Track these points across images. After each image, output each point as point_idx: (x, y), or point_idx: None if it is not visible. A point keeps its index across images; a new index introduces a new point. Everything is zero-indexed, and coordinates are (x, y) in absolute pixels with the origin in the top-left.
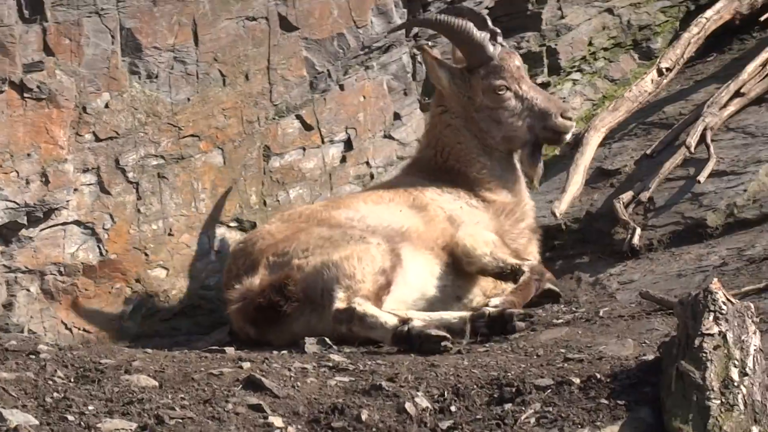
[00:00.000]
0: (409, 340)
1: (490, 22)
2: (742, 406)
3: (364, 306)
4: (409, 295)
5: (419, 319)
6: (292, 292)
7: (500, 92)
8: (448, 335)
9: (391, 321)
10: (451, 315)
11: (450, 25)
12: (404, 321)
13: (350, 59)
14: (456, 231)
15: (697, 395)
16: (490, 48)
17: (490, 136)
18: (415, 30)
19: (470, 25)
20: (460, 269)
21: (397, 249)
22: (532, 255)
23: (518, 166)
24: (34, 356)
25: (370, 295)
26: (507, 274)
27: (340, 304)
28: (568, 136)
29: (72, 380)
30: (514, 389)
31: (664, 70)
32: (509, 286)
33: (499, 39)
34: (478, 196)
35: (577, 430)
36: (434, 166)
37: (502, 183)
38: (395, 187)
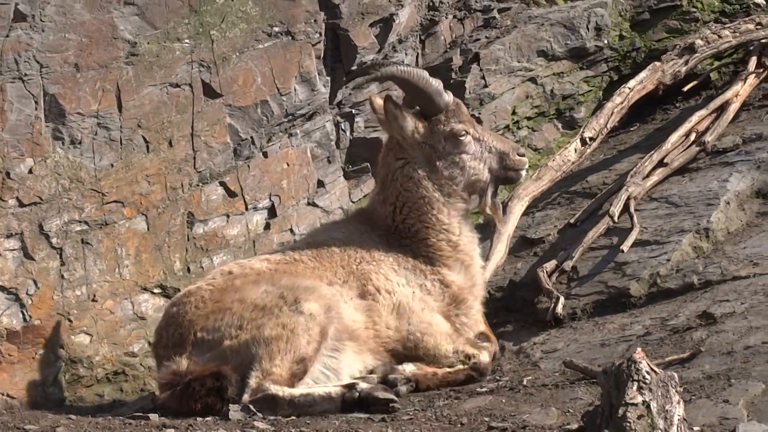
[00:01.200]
0: (359, 404)
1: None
2: None
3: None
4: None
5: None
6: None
7: (462, 137)
8: (395, 397)
9: (335, 390)
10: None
11: (410, 75)
12: (350, 387)
13: (274, 126)
14: (407, 326)
15: None
16: (447, 96)
17: (454, 183)
18: (339, 97)
19: (426, 73)
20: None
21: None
22: (480, 324)
23: (473, 231)
24: None
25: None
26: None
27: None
28: (524, 173)
29: None
30: None
31: (587, 139)
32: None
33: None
34: (436, 273)
35: None
36: (390, 225)
37: (461, 254)
38: (347, 245)
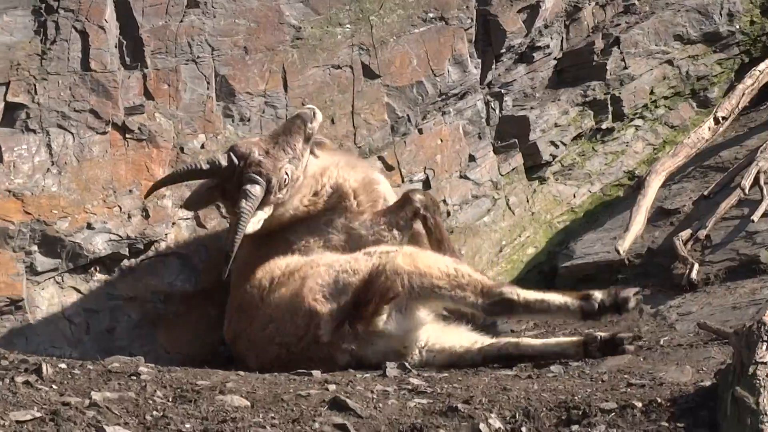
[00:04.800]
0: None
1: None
2: None
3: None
4: None
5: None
6: None
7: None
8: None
9: (571, 301)
10: (564, 340)
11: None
12: (585, 297)
13: (428, 105)
14: None
15: (752, 419)
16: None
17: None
18: (489, 78)
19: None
20: None
21: None
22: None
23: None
24: (135, 377)
25: None
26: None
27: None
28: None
29: (170, 400)
30: (580, 412)
31: (720, 118)
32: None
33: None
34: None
35: None
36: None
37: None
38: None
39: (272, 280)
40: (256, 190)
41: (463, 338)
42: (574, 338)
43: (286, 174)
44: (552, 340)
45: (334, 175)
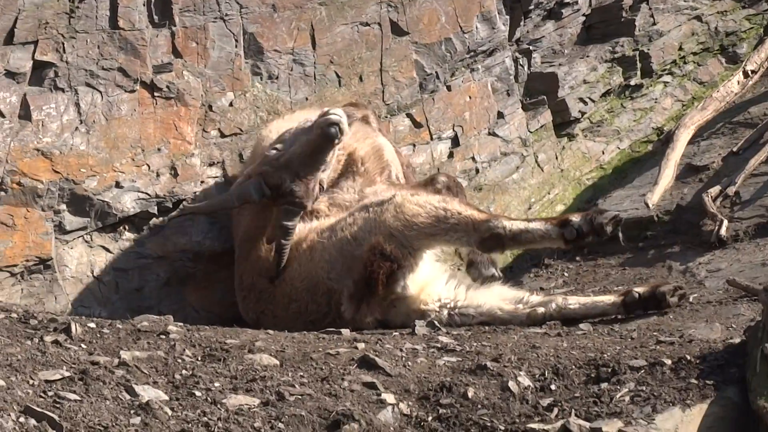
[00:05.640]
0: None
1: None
2: None
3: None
4: None
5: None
6: None
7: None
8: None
9: (551, 228)
10: (602, 299)
11: (214, 208)
12: (563, 223)
13: (457, 62)
14: None
15: None
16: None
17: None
18: (517, 35)
19: (225, 199)
20: None
21: None
22: None
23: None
24: (164, 336)
25: None
26: None
27: None
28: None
29: (199, 359)
30: (609, 369)
31: (749, 72)
32: None
33: None
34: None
35: (669, 407)
36: None
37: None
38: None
39: None
40: (294, 222)
41: (502, 299)
42: (613, 297)
43: (321, 186)
44: (590, 301)
45: (348, 147)
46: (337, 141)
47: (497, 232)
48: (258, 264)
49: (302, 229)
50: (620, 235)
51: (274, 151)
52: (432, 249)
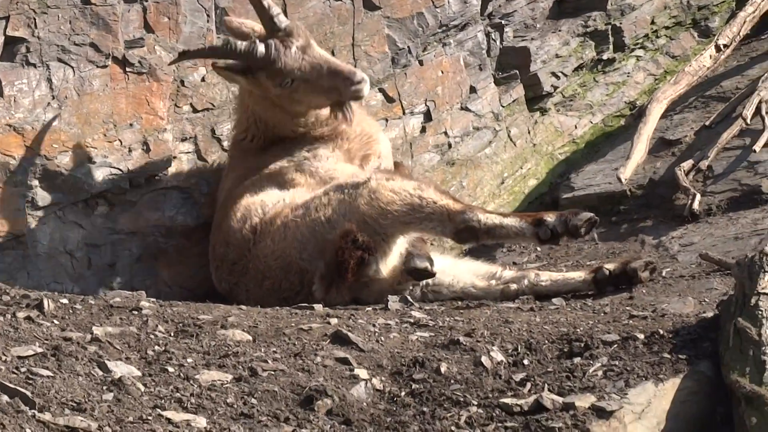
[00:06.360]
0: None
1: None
2: None
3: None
4: None
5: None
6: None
7: (286, 85)
8: (592, 217)
9: (525, 225)
10: (573, 276)
11: (216, 50)
12: (538, 222)
13: (429, 37)
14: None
15: (754, 350)
16: (261, 50)
17: (297, 112)
18: (490, 9)
19: (231, 41)
20: None
21: None
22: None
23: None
24: (136, 312)
25: None
26: None
27: None
28: (364, 93)
29: (172, 334)
30: (582, 344)
31: (721, 46)
32: None
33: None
34: (307, 140)
35: (642, 382)
36: (256, 135)
37: (313, 122)
38: (242, 178)
39: (254, 230)
40: (244, 45)
41: (475, 275)
42: (584, 274)
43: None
44: (561, 277)
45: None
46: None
47: (471, 225)
48: (229, 234)
49: (278, 199)
50: (595, 236)
51: None
52: (406, 236)
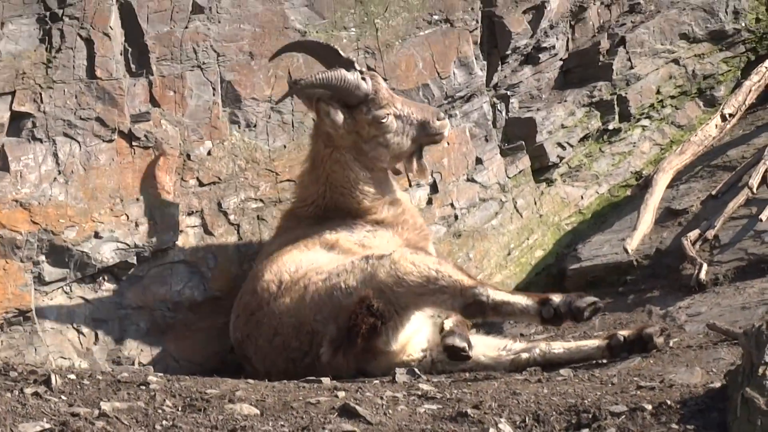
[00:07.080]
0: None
1: (342, 52)
2: None
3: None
4: None
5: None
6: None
7: (383, 120)
8: (596, 301)
9: (531, 304)
10: (587, 343)
11: (329, 81)
12: (543, 302)
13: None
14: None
15: (762, 420)
16: (365, 85)
17: (379, 160)
18: (495, 80)
19: (343, 72)
20: None
21: None
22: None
23: (391, 179)
24: (144, 387)
25: None
26: None
27: None
28: (446, 133)
29: (180, 409)
30: (590, 415)
31: (727, 115)
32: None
33: (357, 66)
34: (369, 221)
35: None
36: (319, 204)
37: (382, 200)
38: (293, 240)
39: (280, 284)
40: (353, 77)
41: (485, 345)
42: (598, 341)
43: (393, 115)
44: (574, 345)
45: (407, 198)
46: (432, 123)
47: (481, 300)
48: (258, 284)
49: (307, 263)
50: (596, 322)
51: None
52: (419, 310)
